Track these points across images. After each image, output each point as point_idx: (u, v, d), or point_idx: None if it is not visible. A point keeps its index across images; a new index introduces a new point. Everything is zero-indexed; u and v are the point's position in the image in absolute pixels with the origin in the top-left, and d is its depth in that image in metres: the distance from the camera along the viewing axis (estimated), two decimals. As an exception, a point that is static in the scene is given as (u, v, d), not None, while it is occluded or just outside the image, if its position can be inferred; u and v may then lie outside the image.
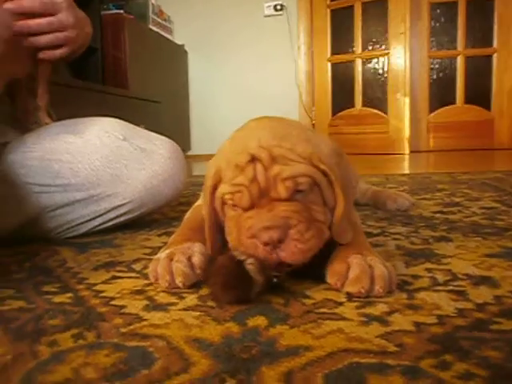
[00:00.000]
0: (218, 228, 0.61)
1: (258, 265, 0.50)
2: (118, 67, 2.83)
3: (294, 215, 0.52)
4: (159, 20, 3.42)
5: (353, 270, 0.52)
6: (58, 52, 0.84)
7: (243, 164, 0.53)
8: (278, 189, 0.52)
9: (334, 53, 3.62)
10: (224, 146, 0.61)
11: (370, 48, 3.50)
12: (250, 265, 0.50)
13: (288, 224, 0.51)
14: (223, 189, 0.56)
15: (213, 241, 0.60)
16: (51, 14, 0.80)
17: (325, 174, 0.55)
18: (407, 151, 3.30)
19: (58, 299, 0.54)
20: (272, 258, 0.51)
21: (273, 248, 0.51)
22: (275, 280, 0.54)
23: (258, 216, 0.52)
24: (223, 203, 0.58)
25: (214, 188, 0.58)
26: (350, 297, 0.51)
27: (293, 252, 0.51)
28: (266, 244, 0.50)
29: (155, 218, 1.05)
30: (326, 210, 0.56)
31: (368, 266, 0.52)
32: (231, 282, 0.50)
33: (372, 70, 3.52)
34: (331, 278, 0.53)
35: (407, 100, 3.29)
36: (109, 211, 0.88)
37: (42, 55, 0.84)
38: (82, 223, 0.88)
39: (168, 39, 3.52)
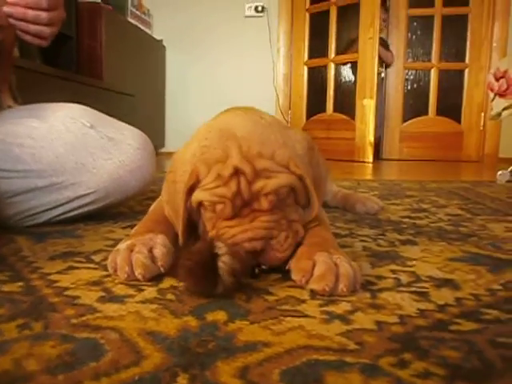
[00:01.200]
0: (190, 224, 0.60)
1: (231, 265, 0.49)
2: (92, 57, 2.75)
3: (276, 226, 0.55)
4: (138, 13, 3.36)
5: (318, 267, 0.52)
6: (48, 32, 0.80)
7: (226, 176, 0.53)
8: (260, 202, 0.54)
9: (310, 57, 3.63)
10: (198, 141, 0.58)
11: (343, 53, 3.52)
12: (223, 263, 0.48)
13: (270, 235, 0.54)
14: (202, 195, 0.55)
15: (186, 237, 0.59)
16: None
17: (300, 178, 0.56)
18: (370, 159, 3.26)
19: (7, 288, 0.51)
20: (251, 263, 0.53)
21: (253, 256, 0.53)
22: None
23: (241, 226, 0.54)
24: (200, 205, 0.57)
25: (191, 189, 0.56)
26: (313, 295, 0.51)
27: (272, 259, 0.55)
28: (248, 253, 0.52)
29: (121, 210, 1.02)
30: (299, 209, 0.59)
31: (334, 264, 0.52)
32: (199, 271, 0.48)
33: (343, 75, 3.55)
34: (296, 275, 0.52)
35: (372, 105, 3.26)
36: (72, 200, 0.85)
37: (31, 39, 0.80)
38: (43, 211, 0.84)
39: (146, 33, 3.46)
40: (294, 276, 0.53)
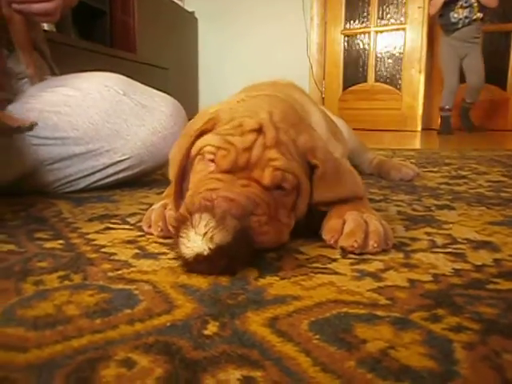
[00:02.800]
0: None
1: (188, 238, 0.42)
2: (126, 31, 2.77)
3: (263, 204, 0.48)
4: (170, -16, 3.33)
5: (347, 225, 0.51)
6: (52, 7, 0.81)
7: (247, 128, 0.50)
8: (264, 172, 0.49)
9: (348, 24, 3.52)
10: (230, 100, 0.58)
11: (386, 22, 3.41)
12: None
13: (253, 209, 0.46)
14: (211, 139, 0.51)
15: (178, 191, 0.54)
16: None
17: (315, 166, 0.53)
18: (419, 128, 3.28)
19: (49, 245, 0.53)
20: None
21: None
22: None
23: (229, 183, 0.47)
24: (198, 154, 0.52)
25: (201, 133, 0.52)
26: (344, 254, 0.50)
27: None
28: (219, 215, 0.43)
29: (155, 178, 1.04)
30: (292, 216, 0.52)
31: (363, 222, 0.51)
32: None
33: (387, 43, 3.44)
34: (326, 234, 0.52)
35: (422, 77, 3.23)
36: (107, 167, 0.87)
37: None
38: (80, 178, 0.87)
39: (178, 5, 3.44)
40: (324, 235, 0.53)
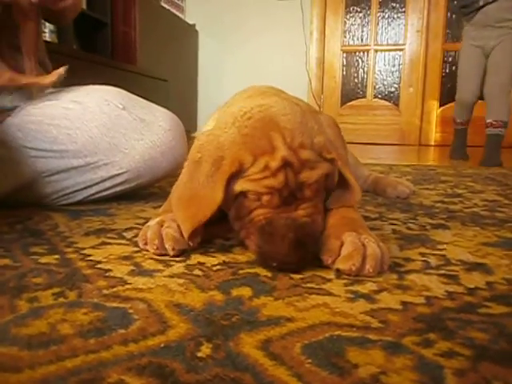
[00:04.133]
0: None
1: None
2: (127, 43, 2.80)
3: (315, 211, 0.57)
4: (171, -3, 3.37)
5: (346, 247, 0.51)
6: None
7: (274, 168, 0.53)
8: (304, 192, 0.55)
9: (347, 41, 3.57)
10: (237, 128, 0.55)
11: (385, 42, 3.48)
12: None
13: (313, 220, 0.56)
14: (249, 185, 0.54)
15: (198, 226, 0.55)
16: None
17: (332, 161, 0.57)
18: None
19: (44, 260, 0.54)
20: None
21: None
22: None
23: (286, 214, 0.54)
24: (240, 194, 0.55)
25: (232, 176, 0.54)
26: (339, 274, 0.51)
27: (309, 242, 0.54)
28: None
29: (153, 191, 1.05)
30: (324, 195, 0.60)
31: (361, 245, 0.51)
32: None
33: (385, 62, 3.49)
34: (324, 255, 0.52)
35: (420, 95, 3.29)
36: (105, 180, 0.87)
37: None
38: (78, 191, 0.88)
39: (179, 18, 3.48)
40: (321, 255, 0.53)
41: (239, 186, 0.54)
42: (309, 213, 0.55)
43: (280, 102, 0.58)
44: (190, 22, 3.65)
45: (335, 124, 0.62)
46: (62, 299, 0.42)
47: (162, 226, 0.56)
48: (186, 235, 0.54)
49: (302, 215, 0.55)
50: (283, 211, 0.54)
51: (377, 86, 3.55)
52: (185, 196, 0.56)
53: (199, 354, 0.33)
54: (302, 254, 0.49)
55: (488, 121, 2.16)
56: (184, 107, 3.44)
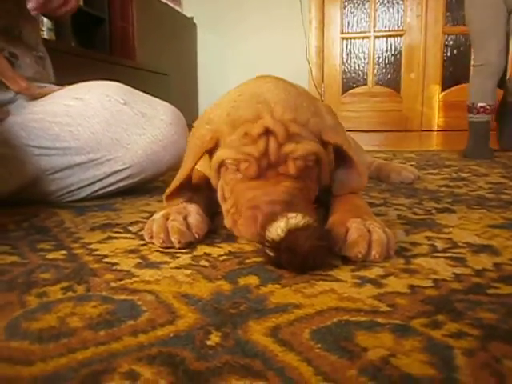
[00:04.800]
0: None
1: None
2: (125, 38, 2.78)
3: (298, 193, 0.54)
4: (168, -9, 3.35)
5: (351, 233, 0.51)
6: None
7: (255, 135, 0.52)
8: (288, 166, 0.53)
9: (346, 28, 3.54)
10: (227, 102, 0.58)
11: (385, 28, 3.44)
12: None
13: (292, 201, 0.52)
14: (227, 153, 0.54)
15: (176, 190, 0.61)
16: None
17: (337, 146, 0.57)
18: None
19: (51, 255, 0.54)
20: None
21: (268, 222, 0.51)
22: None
23: (264, 188, 0.53)
24: (221, 165, 0.57)
25: (209, 151, 0.56)
26: (345, 260, 0.51)
27: None
28: (267, 217, 0.50)
29: (156, 185, 1.05)
30: (317, 187, 0.59)
31: (367, 231, 0.51)
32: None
33: (385, 47, 3.46)
34: (331, 241, 0.52)
35: (421, 80, 3.27)
36: (108, 176, 0.87)
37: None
38: (82, 187, 0.88)
39: (177, 11, 3.45)
40: (329, 241, 0.52)
41: (218, 154, 0.56)
42: (290, 191, 0.53)
43: (274, 82, 0.59)
44: (188, 15, 3.62)
45: (334, 113, 0.62)
46: (70, 293, 0.42)
47: (167, 219, 0.56)
48: (164, 196, 0.60)
49: (281, 190, 0.52)
50: (262, 185, 0.53)
51: (377, 73, 3.52)
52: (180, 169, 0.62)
53: (208, 343, 0.33)
54: (321, 259, 0.47)
55: None
56: (185, 100, 3.43)
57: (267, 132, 0.53)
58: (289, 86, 0.60)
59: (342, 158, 0.61)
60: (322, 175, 0.58)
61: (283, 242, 0.46)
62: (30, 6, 0.81)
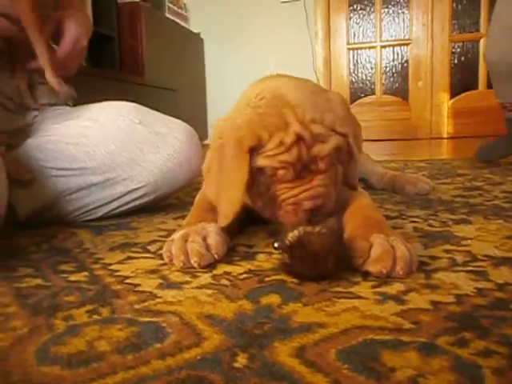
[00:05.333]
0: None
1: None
2: (134, 55, 2.83)
3: (331, 182, 0.60)
4: (175, 8, 3.40)
5: (375, 249, 0.51)
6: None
7: (289, 143, 0.57)
8: (318, 164, 0.58)
9: (353, 39, 3.57)
10: (252, 108, 0.60)
11: (391, 38, 3.47)
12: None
13: (328, 191, 0.59)
14: (265, 161, 0.58)
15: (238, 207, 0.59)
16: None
17: (344, 136, 0.60)
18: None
19: (74, 278, 0.55)
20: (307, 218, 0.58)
21: (312, 212, 0.58)
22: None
23: (302, 187, 0.59)
24: (257, 171, 0.59)
25: (252, 151, 0.58)
26: (365, 276, 0.51)
27: (327, 210, 0.60)
28: (309, 211, 0.58)
29: (171, 202, 1.06)
30: (340, 168, 0.64)
31: (390, 247, 0.51)
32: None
33: (392, 57, 3.48)
34: (353, 256, 0.51)
35: (428, 88, 3.27)
36: (125, 195, 0.89)
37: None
38: (99, 207, 0.89)
39: (184, 27, 3.51)
40: (350, 256, 0.52)
41: (257, 162, 0.59)
42: (324, 183, 0.59)
43: (289, 81, 0.63)
44: (195, 31, 3.68)
45: (344, 101, 0.65)
46: (96, 316, 0.43)
47: (186, 240, 0.57)
48: (225, 221, 0.58)
49: (316, 185, 0.58)
50: (299, 184, 0.59)
51: (385, 82, 3.53)
52: (220, 184, 0.60)
53: (236, 365, 0.33)
54: (334, 264, 0.49)
55: None
56: (194, 115, 3.47)
57: (298, 139, 0.57)
58: (301, 82, 0.64)
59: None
60: (343, 156, 0.62)
61: (296, 242, 0.49)
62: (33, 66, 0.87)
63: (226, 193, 0.59)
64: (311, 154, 0.58)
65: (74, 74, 0.93)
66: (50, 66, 0.84)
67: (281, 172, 0.58)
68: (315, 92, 0.62)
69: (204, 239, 0.57)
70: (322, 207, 0.59)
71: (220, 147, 0.60)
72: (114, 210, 0.90)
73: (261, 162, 0.58)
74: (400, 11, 3.45)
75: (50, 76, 0.84)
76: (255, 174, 0.59)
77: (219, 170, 0.60)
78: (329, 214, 0.58)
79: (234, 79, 3.74)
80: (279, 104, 0.59)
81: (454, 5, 3.33)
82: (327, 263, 0.48)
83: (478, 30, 3.30)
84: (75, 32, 0.88)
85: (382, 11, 3.48)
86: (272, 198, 0.61)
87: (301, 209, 0.58)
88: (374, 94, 3.56)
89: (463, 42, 3.36)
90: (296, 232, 0.50)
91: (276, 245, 0.50)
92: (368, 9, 3.52)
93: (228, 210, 0.58)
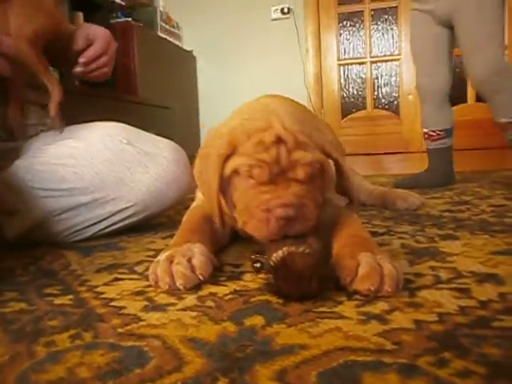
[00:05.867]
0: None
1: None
2: (127, 74, 2.86)
3: (307, 195, 0.57)
4: (167, 27, 3.45)
5: (362, 267, 0.51)
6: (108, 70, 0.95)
7: (268, 142, 0.56)
8: (297, 171, 0.56)
9: (343, 55, 3.63)
10: (239, 117, 0.62)
11: (381, 53, 3.53)
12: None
13: (302, 203, 0.56)
14: (241, 160, 0.57)
15: (221, 210, 0.62)
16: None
17: (335, 160, 0.60)
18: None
19: (58, 301, 0.54)
20: (280, 231, 0.55)
21: (284, 223, 0.54)
22: None
23: (275, 192, 0.56)
24: (234, 173, 0.59)
25: (227, 157, 0.58)
26: (350, 295, 0.51)
27: (302, 226, 0.56)
28: (280, 219, 0.54)
29: (160, 221, 1.06)
30: (322, 196, 0.62)
31: (377, 266, 0.51)
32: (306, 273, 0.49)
33: (382, 72, 3.53)
34: (341, 274, 0.52)
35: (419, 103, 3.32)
36: (113, 214, 0.89)
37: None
38: (88, 227, 0.89)
39: (176, 45, 3.55)
40: (339, 273, 0.52)
41: (231, 163, 0.58)
42: (299, 194, 0.56)
43: (282, 100, 0.65)
44: (188, 49, 3.72)
45: (333, 130, 0.67)
46: (78, 341, 0.43)
47: (171, 261, 0.56)
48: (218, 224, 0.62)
49: (290, 193, 0.55)
50: (273, 189, 0.56)
51: (376, 97, 3.58)
52: (206, 190, 0.63)
53: (216, 390, 0.33)
54: (318, 284, 0.49)
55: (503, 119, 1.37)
56: (187, 133, 3.48)
57: (278, 140, 0.56)
58: (294, 102, 0.66)
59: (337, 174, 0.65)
60: (326, 184, 0.62)
61: (280, 263, 0.49)
62: (78, 70, 0.90)
63: (207, 198, 0.63)
64: (291, 158, 0.56)
65: (108, 77, 0.96)
66: (56, 103, 0.87)
67: (256, 170, 0.56)
68: (308, 114, 0.63)
69: (189, 260, 0.57)
70: (294, 220, 0.54)
71: (206, 155, 0.63)
72: (103, 229, 0.90)
73: (237, 160, 0.58)
74: (389, 27, 3.53)
75: (53, 113, 0.88)
76: (232, 178, 0.59)
77: (205, 177, 0.63)
78: (308, 232, 0.56)
79: (227, 95, 3.77)
80: (266, 112, 0.59)
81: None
82: (311, 283, 0.48)
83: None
84: (105, 33, 0.91)
85: (372, 27, 3.55)
86: (246, 204, 0.58)
87: (272, 217, 0.54)
88: (365, 108, 3.61)
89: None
90: (280, 252, 0.50)
91: (256, 265, 0.51)
92: (357, 25, 3.59)
93: (216, 218, 0.62)
